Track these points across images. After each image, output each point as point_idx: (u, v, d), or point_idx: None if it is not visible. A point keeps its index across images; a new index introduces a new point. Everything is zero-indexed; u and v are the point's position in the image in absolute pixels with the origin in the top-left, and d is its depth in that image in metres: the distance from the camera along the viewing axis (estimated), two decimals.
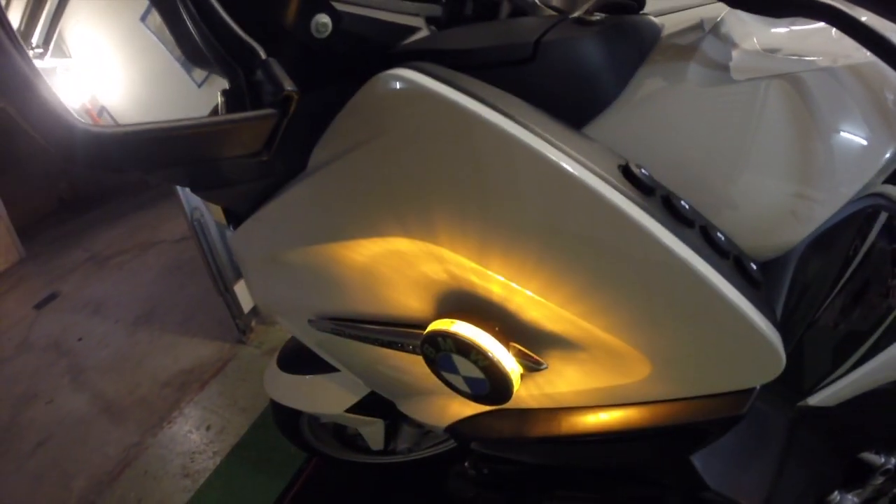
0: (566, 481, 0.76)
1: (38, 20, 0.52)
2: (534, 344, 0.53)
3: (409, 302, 0.57)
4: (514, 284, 0.48)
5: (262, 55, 0.39)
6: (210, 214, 1.92)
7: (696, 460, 0.58)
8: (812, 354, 0.70)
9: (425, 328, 0.54)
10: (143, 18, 0.53)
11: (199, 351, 2.23)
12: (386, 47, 0.51)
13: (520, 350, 0.52)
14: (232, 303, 2.11)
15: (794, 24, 0.56)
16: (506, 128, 0.41)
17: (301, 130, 0.46)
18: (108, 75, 0.58)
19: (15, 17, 0.50)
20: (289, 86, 0.38)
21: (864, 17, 0.43)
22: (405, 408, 0.78)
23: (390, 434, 1.25)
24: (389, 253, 0.52)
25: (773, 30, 0.55)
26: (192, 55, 0.48)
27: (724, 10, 0.54)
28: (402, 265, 0.53)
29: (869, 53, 0.43)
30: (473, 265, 0.48)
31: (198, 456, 1.73)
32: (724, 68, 0.49)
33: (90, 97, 0.57)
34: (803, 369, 0.71)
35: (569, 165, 0.40)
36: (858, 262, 0.66)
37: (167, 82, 0.56)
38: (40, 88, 0.31)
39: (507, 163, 0.42)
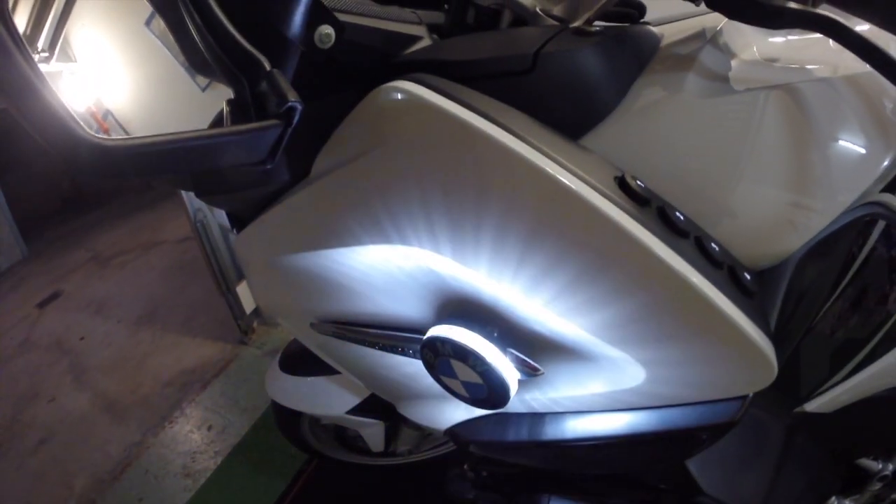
0: (564, 484, 0.76)
1: (43, 24, 0.52)
2: (531, 350, 0.53)
3: (410, 307, 0.57)
4: (510, 291, 0.49)
5: (267, 66, 0.40)
6: (213, 216, 1.93)
7: (692, 465, 0.59)
8: (810, 361, 0.70)
9: (425, 333, 0.55)
10: (148, 23, 0.54)
11: (201, 351, 2.24)
12: (388, 57, 0.52)
13: (517, 356, 0.53)
14: (234, 303, 2.11)
15: (793, 35, 0.57)
16: (503, 140, 0.41)
17: (304, 139, 0.47)
18: (112, 79, 0.59)
19: (21, 22, 0.51)
20: (292, 97, 0.38)
21: (861, 28, 0.43)
22: (405, 410, 0.79)
23: (390, 436, 1.25)
24: (391, 259, 0.53)
25: (773, 40, 0.56)
26: (197, 64, 0.49)
27: (723, 19, 0.55)
28: (404, 271, 0.54)
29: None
30: (472, 272, 0.49)
31: (199, 456, 1.74)
32: (723, 78, 0.50)
33: (95, 101, 0.58)
34: (801, 375, 0.71)
35: (565, 178, 0.41)
36: (857, 269, 0.66)
37: (171, 86, 0.57)
38: (48, 98, 0.32)
39: (505, 174, 0.43)
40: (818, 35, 0.45)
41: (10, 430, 2.08)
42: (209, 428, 1.83)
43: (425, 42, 0.55)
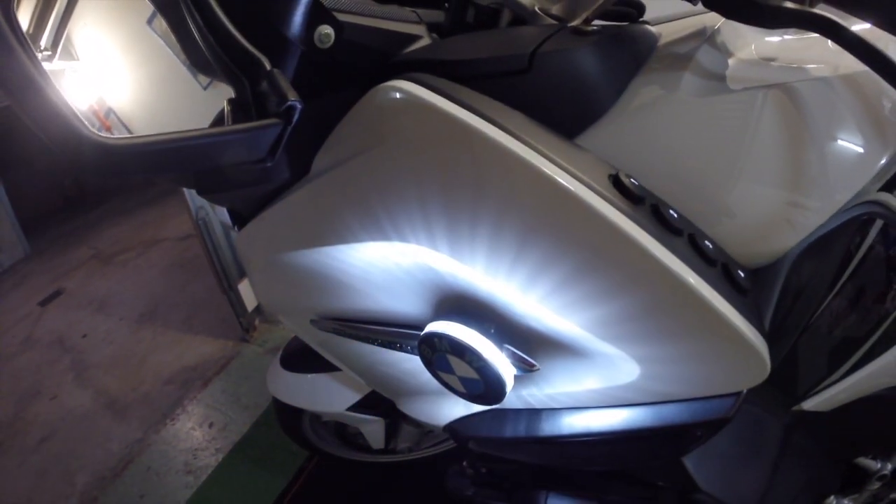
0: (563, 480, 0.77)
1: (46, 23, 0.53)
2: (527, 346, 0.54)
3: (408, 304, 0.58)
4: (507, 288, 0.49)
5: (267, 66, 0.40)
6: (215, 213, 1.94)
7: (688, 462, 0.59)
8: (807, 359, 0.71)
9: (423, 329, 0.55)
10: (150, 22, 0.54)
11: (203, 348, 2.24)
12: (387, 56, 0.52)
13: (513, 352, 0.53)
14: (236, 301, 2.11)
15: (791, 34, 0.57)
16: (498, 139, 0.42)
17: (304, 137, 0.48)
18: (115, 77, 0.59)
19: (24, 20, 0.51)
20: (292, 96, 0.39)
21: (858, 27, 0.43)
22: (405, 407, 0.79)
23: (391, 433, 1.26)
24: (389, 256, 0.53)
25: (771, 39, 0.56)
26: (199, 64, 0.49)
27: (721, 18, 0.55)
28: (402, 268, 0.54)
29: None
30: (468, 269, 0.49)
31: (200, 453, 1.74)
32: (720, 77, 0.50)
33: (97, 99, 0.58)
34: (798, 374, 0.71)
35: (559, 176, 0.42)
36: (854, 268, 0.66)
37: (173, 85, 0.57)
38: (51, 97, 0.32)
39: (500, 173, 0.43)
40: (816, 34, 0.45)
41: (12, 427, 2.08)
42: (210, 425, 1.84)
43: (425, 41, 0.56)
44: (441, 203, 0.47)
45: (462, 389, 0.57)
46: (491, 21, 0.62)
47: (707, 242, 0.45)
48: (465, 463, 0.91)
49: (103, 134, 0.34)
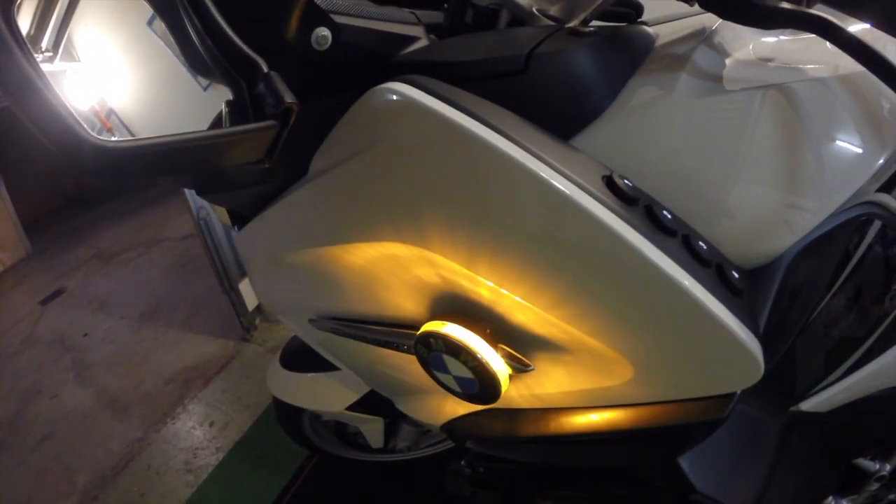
0: (560, 480, 0.77)
1: (47, 24, 0.53)
2: (521, 346, 0.54)
3: (404, 304, 0.58)
4: (501, 289, 0.49)
5: (264, 68, 0.40)
6: (216, 213, 1.94)
7: (684, 462, 0.59)
8: (805, 360, 0.71)
9: (419, 329, 0.55)
10: (150, 23, 0.54)
11: (204, 348, 2.25)
12: (385, 58, 0.52)
13: (508, 352, 0.53)
14: (236, 300, 2.12)
15: (789, 34, 0.57)
16: (492, 141, 0.42)
17: (302, 138, 0.48)
18: (115, 78, 0.59)
19: (25, 21, 0.51)
20: (289, 98, 0.39)
21: (856, 27, 0.43)
22: (403, 406, 0.79)
23: (390, 432, 1.26)
24: (385, 257, 0.53)
25: (768, 39, 0.56)
26: (197, 66, 0.50)
27: (719, 19, 0.55)
28: (397, 268, 0.54)
29: None
30: (463, 270, 0.49)
31: (201, 452, 1.75)
32: (717, 78, 0.50)
33: (98, 100, 0.58)
34: (796, 374, 0.71)
35: (551, 178, 0.42)
36: (853, 268, 0.66)
37: (174, 85, 0.57)
38: (51, 101, 0.33)
39: (494, 174, 0.43)
40: (814, 35, 0.45)
41: (13, 426, 2.09)
42: (211, 424, 1.85)
43: (422, 42, 0.56)
44: (435, 205, 0.47)
45: (457, 389, 0.58)
46: (490, 22, 0.62)
47: (701, 243, 0.45)
48: (463, 462, 0.91)
49: (102, 137, 0.34)
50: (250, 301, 2.15)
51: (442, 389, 0.59)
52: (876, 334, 0.66)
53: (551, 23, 0.59)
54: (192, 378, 2.09)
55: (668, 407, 0.52)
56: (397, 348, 0.62)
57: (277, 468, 1.59)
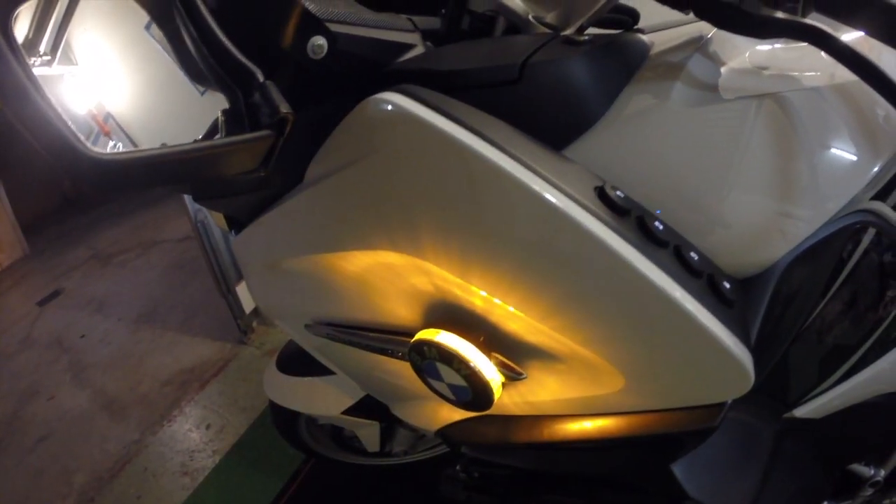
0: (554, 486, 0.77)
1: (45, 28, 0.53)
2: (514, 355, 0.54)
3: (398, 311, 0.58)
4: (494, 299, 0.49)
5: (260, 78, 0.41)
6: (213, 216, 1.94)
7: (677, 469, 0.59)
8: (799, 366, 0.71)
9: (413, 336, 0.55)
10: (148, 28, 0.54)
11: (201, 350, 2.24)
12: (381, 66, 0.52)
13: (501, 360, 0.54)
14: (234, 303, 2.11)
15: (785, 43, 0.57)
16: (484, 153, 0.42)
17: (297, 146, 0.48)
18: (113, 83, 0.60)
19: (23, 26, 0.51)
20: (285, 108, 0.39)
21: (851, 36, 0.43)
22: (398, 411, 0.79)
23: (386, 436, 1.26)
24: (379, 265, 0.54)
25: (764, 48, 0.56)
26: (194, 74, 0.50)
27: (714, 27, 0.55)
28: (392, 277, 0.54)
29: None
30: (457, 279, 0.50)
31: (197, 454, 1.74)
32: (711, 87, 0.50)
33: (96, 104, 0.58)
34: (790, 381, 0.71)
35: (543, 190, 0.42)
36: (847, 276, 0.66)
37: (171, 90, 0.57)
38: (47, 113, 0.33)
39: (486, 186, 0.43)
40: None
41: (9, 427, 2.09)
42: (208, 427, 1.84)
43: (419, 50, 0.56)
44: (428, 215, 0.47)
45: (451, 396, 0.58)
46: (486, 29, 0.62)
47: (693, 254, 0.45)
48: (458, 467, 0.91)
49: (97, 149, 0.34)
50: (247, 304, 2.14)
51: (436, 396, 0.60)
52: (870, 341, 0.66)
53: (547, 30, 0.59)
54: (188, 380, 2.09)
55: (658, 416, 0.53)
56: (392, 355, 0.62)
57: (274, 471, 1.58)
